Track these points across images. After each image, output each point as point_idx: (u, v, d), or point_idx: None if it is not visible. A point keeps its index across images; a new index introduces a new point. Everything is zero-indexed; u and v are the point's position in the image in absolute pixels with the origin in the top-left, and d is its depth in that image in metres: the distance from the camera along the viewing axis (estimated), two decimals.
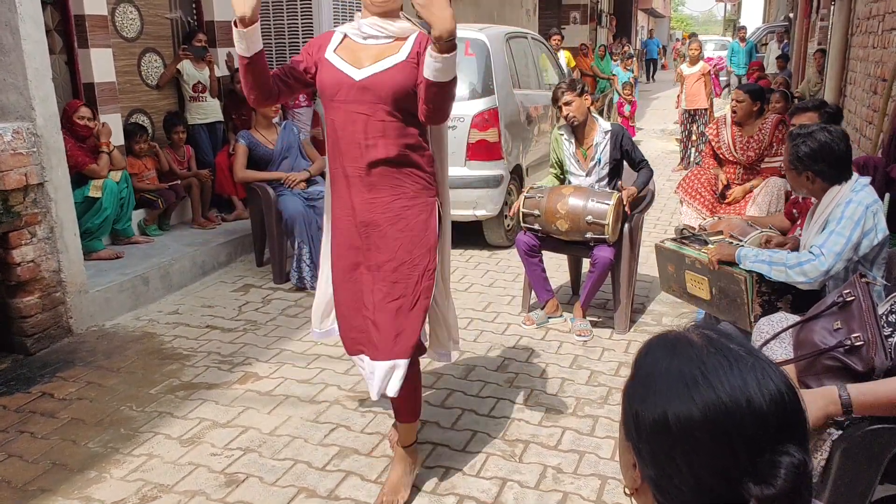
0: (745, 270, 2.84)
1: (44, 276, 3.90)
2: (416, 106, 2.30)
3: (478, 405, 3.23)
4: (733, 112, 4.64)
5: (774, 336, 2.30)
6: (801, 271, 2.60)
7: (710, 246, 3.12)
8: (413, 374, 2.47)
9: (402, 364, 2.37)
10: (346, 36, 2.39)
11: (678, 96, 9.80)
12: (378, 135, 2.29)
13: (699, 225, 4.09)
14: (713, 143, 4.78)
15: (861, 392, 1.78)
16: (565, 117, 4.04)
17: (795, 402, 0.86)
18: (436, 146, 2.56)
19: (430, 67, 2.13)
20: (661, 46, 30.72)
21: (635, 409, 0.91)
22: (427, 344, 2.73)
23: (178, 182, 5.69)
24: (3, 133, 3.64)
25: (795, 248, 2.89)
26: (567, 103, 4.00)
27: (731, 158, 4.66)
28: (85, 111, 4.78)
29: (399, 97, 2.28)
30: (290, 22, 6.98)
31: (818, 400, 1.79)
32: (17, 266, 3.76)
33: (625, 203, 3.89)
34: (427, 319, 2.51)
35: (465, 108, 5.43)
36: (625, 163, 4.15)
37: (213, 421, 3.12)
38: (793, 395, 0.86)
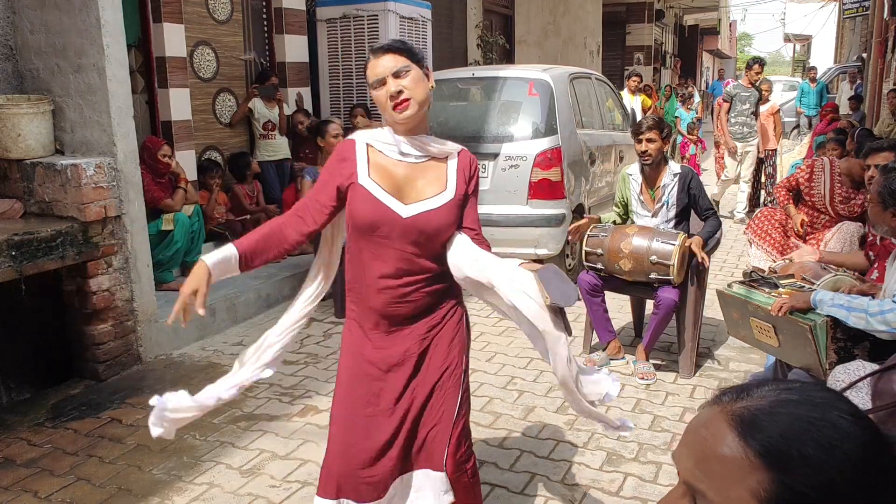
0: (814, 318, 2.72)
1: (117, 305, 4.05)
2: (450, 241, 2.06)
3: (537, 447, 3.18)
4: (868, 181, 4.38)
5: (851, 385, 2.20)
6: (882, 320, 2.48)
7: (780, 290, 3.02)
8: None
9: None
10: (369, 147, 2.04)
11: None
12: (416, 273, 2.03)
13: (769, 267, 3.97)
14: (802, 187, 4.54)
15: None
16: (641, 152, 3.98)
17: None
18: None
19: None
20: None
21: None
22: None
23: (248, 217, 5.86)
24: (87, 167, 3.82)
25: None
26: (650, 140, 3.94)
27: (819, 208, 4.45)
28: (167, 149, 4.97)
29: (443, 237, 2.03)
30: (356, 39, 7.00)
31: None
32: (93, 294, 3.91)
33: (698, 256, 3.78)
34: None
35: (527, 147, 5.45)
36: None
37: (272, 453, 3.15)
38: None
